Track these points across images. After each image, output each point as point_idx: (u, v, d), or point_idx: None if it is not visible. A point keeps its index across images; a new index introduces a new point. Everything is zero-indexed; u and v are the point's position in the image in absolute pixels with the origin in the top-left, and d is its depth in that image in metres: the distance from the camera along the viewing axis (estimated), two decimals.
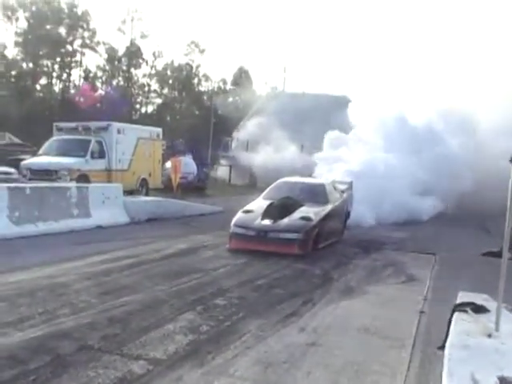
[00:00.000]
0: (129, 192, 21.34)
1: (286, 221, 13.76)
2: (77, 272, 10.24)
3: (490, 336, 5.53)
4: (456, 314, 6.67)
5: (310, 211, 14.35)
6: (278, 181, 17.00)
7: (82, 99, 52.26)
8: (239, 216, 14.33)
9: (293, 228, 13.54)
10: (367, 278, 11.66)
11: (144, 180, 25.82)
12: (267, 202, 14.72)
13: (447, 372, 4.28)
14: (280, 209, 14.19)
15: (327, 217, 14.84)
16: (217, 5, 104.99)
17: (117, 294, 8.85)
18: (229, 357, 6.46)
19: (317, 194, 15.74)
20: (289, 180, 17.22)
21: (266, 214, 14.03)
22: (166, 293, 9.20)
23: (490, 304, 6.97)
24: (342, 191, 17.89)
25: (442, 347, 6.78)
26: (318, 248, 14.06)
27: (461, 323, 6.05)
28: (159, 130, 28.19)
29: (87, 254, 11.99)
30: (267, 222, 13.74)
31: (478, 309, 6.81)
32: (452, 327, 6.10)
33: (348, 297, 9.79)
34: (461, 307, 6.89)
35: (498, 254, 15.16)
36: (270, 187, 16.54)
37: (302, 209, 14.45)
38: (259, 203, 15.12)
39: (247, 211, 14.56)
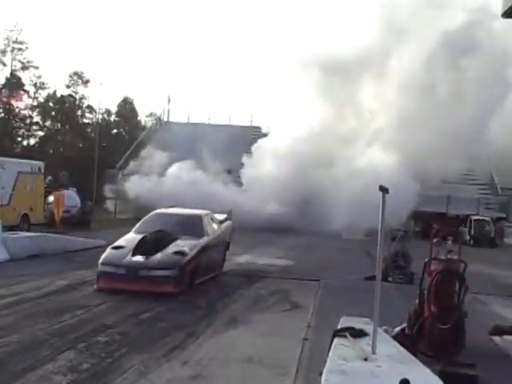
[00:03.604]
0: (9, 228, 20.54)
1: (158, 256, 12.83)
2: None
3: (366, 359, 5.68)
4: (336, 340, 6.82)
5: (185, 245, 13.44)
6: (152, 212, 16.09)
7: None
8: (108, 253, 13.22)
9: (166, 264, 12.68)
10: (252, 307, 11.74)
11: (25, 215, 24.94)
12: (139, 236, 13.65)
13: None
14: (152, 243, 13.21)
15: (204, 250, 14.04)
16: (100, 34, 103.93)
17: None
18: None
19: (193, 225, 14.75)
20: (163, 211, 16.38)
21: (138, 249, 12.98)
22: (46, 332, 8.92)
23: (370, 327, 7.17)
24: (221, 221, 16.99)
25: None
26: (195, 284, 13.31)
27: (339, 348, 6.19)
28: (41, 163, 27.43)
29: None
30: (138, 258, 12.76)
31: (357, 333, 6.98)
32: (330, 353, 6.23)
33: (232, 327, 9.83)
34: (340, 332, 7.05)
35: (381, 279, 15.85)
36: (143, 219, 15.53)
37: (177, 242, 13.52)
38: (130, 238, 14.03)
39: (117, 247, 13.44)
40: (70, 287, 13.03)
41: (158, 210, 16.46)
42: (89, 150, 55.62)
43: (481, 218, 35.19)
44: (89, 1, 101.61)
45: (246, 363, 7.67)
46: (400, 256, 16.56)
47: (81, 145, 64.56)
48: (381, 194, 6.11)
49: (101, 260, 12.95)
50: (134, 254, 12.86)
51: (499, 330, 9.95)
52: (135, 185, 37.49)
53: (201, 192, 32.31)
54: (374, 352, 6.02)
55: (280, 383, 6.92)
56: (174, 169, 38.67)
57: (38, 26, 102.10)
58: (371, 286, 14.14)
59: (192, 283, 13.16)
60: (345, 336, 6.94)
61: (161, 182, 37.50)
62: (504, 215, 38.05)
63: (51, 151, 63.09)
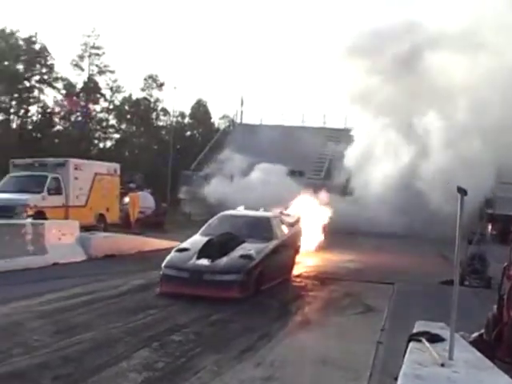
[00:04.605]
0: (86, 228, 21.09)
1: (224, 260, 12.42)
2: (31, 310, 10.06)
3: (443, 365, 5.54)
4: (411, 344, 6.69)
5: (252, 248, 12.99)
6: (219, 214, 15.75)
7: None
8: (172, 255, 12.97)
9: (231, 268, 12.26)
10: (325, 309, 11.65)
11: (101, 215, 25.58)
12: (205, 239, 13.31)
13: None
14: (219, 246, 12.80)
15: (272, 254, 13.63)
16: (174, 38, 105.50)
17: (70, 333, 8.71)
18: None
19: (261, 228, 14.43)
20: (231, 213, 16.11)
21: (203, 252, 12.63)
22: (120, 330, 9.08)
23: (446, 332, 7.00)
24: (291, 224, 16.63)
25: (397, 378, 6.79)
26: (261, 290, 12.81)
27: (415, 353, 6.05)
28: (117, 165, 28.09)
29: (42, 291, 11.74)
30: (203, 261, 12.40)
31: (433, 338, 6.83)
32: (407, 356, 6.11)
33: (305, 329, 9.79)
34: (415, 337, 6.91)
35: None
36: (210, 222, 15.15)
37: (244, 246, 13.07)
38: (196, 240, 13.69)
39: (182, 249, 13.21)
40: (143, 287, 13.20)
41: (226, 212, 16.20)
42: (163, 152, 56.62)
43: None
44: (163, 4, 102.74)
45: (318, 366, 7.61)
46: (477, 259, 16.12)
47: (155, 147, 65.68)
48: (458, 196, 5.96)
49: (164, 263, 12.69)
50: (198, 257, 12.54)
51: None
52: (215, 187, 37.71)
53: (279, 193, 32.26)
54: (451, 358, 5.86)
55: None
56: (257, 171, 38.58)
57: (113, 31, 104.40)
58: (447, 290, 13.92)
59: (258, 288, 12.69)
60: (420, 341, 6.81)
61: (243, 183, 37.65)
62: None
63: (126, 153, 64.41)
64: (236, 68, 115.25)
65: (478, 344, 7.46)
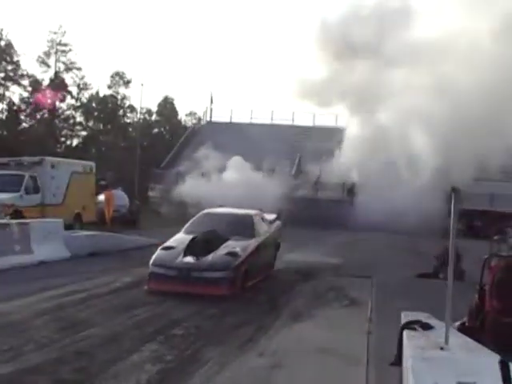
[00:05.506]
0: (63, 226, 21.24)
1: (210, 258, 12.65)
2: (31, 308, 10.35)
3: (442, 349, 6.10)
4: (406, 332, 7.25)
5: (237, 246, 13.27)
6: (201, 212, 16.04)
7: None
8: (158, 253, 13.16)
9: (219, 265, 12.50)
10: (312, 303, 12.16)
11: (78, 214, 25.70)
12: (189, 237, 13.54)
13: (414, 382, 4.79)
14: (204, 244, 13.03)
15: (256, 251, 13.92)
16: (141, 34, 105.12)
17: (76, 329, 9.07)
18: (198, 382, 6.83)
19: (244, 226, 14.61)
20: (213, 211, 16.28)
21: (189, 250, 12.87)
22: (123, 325, 9.49)
23: (434, 321, 7.62)
24: (271, 222, 17.01)
25: (394, 363, 7.39)
26: (247, 286, 13.15)
27: (413, 339, 6.60)
28: (92, 163, 28.30)
29: (37, 290, 12.02)
30: (190, 259, 12.64)
31: (425, 326, 7.42)
32: (406, 343, 6.65)
33: (298, 321, 10.29)
34: (409, 325, 7.48)
35: (432, 275, 16.20)
36: (193, 220, 15.43)
37: (228, 243, 13.34)
38: (181, 238, 13.90)
39: (167, 248, 13.39)
40: (134, 284, 13.46)
41: (207, 210, 16.37)
42: (130, 149, 56.61)
43: None
44: (129, 1, 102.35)
45: (318, 354, 8.14)
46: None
47: (122, 144, 65.53)
48: (452, 194, 6.53)
49: (152, 261, 12.89)
50: (185, 255, 12.75)
51: None
52: (190, 185, 38.07)
53: (254, 191, 32.81)
54: (446, 342, 6.43)
55: (355, 372, 7.36)
56: (229, 169, 39.42)
57: (80, 28, 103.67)
58: (424, 282, 14.73)
59: (245, 285, 12.99)
60: (415, 328, 7.38)
61: (216, 181, 38.16)
62: None
63: (93, 151, 64.14)
64: (203, 65, 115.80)
65: (461, 332, 8.05)
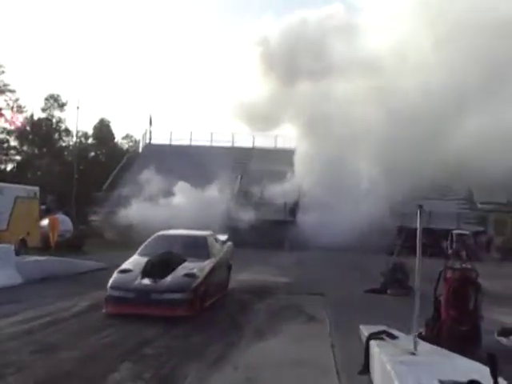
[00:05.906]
0: None
1: (169, 279, 12.75)
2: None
3: (414, 354, 6.64)
4: (373, 342, 7.79)
5: (195, 267, 13.44)
6: (155, 234, 16.01)
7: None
8: (116, 276, 13.13)
9: (178, 287, 12.57)
10: (272, 320, 12.56)
11: (23, 240, 25.40)
12: (145, 259, 13.61)
13: (399, 382, 5.27)
14: (160, 266, 13.10)
15: (212, 271, 14.18)
16: (75, 56, 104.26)
17: (48, 352, 9.22)
18: None
19: (198, 247, 14.80)
20: (167, 233, 16.38)
21: (146, 272, 12.95)
22: (94, 347, 9.70)
23: (395, 332, 8.23)
24: (223, 242, 17.42)
25: (362, 372, 7.93)
26: (206, 306, 13.35)
27: (384, 346, 7.13)
28: (36, 188, 27.97)
29: (0, 316, 12.00)
30: (148, 281, 12.69)
31: (391, 335, 7.99)
32: (376, 351, 7.17)
33: (263, 337, 10.70)
34: (376, 335, 8.03)
35: (380, 291, 16.89)
36: (147, 242, 15.46)
37: (185, 264, 13.48)
38: (136, 260, 13.97)
39: (124, 270, 13.40)
40: (93, 307, 13.50)
41: (161, 232, 16.35)
42: (66, 173, 55.97)
43: (461, 232, 36.02)
44: (62, 22, 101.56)
45: (292, 366, 8.58)
46: (398, 270, 17.45)
47: (58, 168, 64.69)
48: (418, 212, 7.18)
49: (109, 284, 12.84)
50: (143, 277, 12.82)
51: (506, 332, 10.90)
52: (137, 208, 38.18)
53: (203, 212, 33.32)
54: (415, 348, 6.98)
55: (329, 381, 7.82)
56: (176, 193, 39.94)
57: (13, 49, 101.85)
58: (372, 298, 15.34)
59: (203, 305, 13.14)
60: (382, 338, 7.93)
61: (164, 204, 38.50)
62: (482, 229, 39.28)
63: (29, 176, 63.11)
64: (140, 87, 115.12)
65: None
